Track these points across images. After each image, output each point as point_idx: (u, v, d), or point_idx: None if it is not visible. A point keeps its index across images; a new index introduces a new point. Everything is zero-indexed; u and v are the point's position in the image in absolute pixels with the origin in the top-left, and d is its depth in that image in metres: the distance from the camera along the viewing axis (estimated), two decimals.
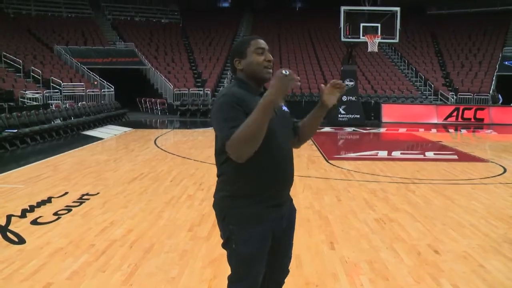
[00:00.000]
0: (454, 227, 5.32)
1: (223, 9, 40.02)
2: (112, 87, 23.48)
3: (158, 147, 11.81)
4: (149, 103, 24.43)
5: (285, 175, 2.32)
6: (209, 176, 8.02)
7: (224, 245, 2.34)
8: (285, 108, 2.41)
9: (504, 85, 25.07)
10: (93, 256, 4.28)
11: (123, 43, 29.24)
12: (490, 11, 33.32)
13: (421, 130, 17.22)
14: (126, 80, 24.99)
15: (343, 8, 18.51)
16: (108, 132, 15.33)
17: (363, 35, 18.62)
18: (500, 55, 28.16)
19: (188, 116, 22.09)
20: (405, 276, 3.91)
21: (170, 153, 10.75)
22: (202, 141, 13.29)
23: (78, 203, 6.14)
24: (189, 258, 4.24)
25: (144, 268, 4.02)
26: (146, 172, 8.32)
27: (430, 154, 11.24)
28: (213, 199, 2.38)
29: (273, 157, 2.20)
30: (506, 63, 27.14)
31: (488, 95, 24.31)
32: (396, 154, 10.93)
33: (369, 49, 18.99)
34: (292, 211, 2.46)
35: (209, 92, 24.11)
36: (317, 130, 2.60)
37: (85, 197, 6.50)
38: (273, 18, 34.55)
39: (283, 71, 1.98)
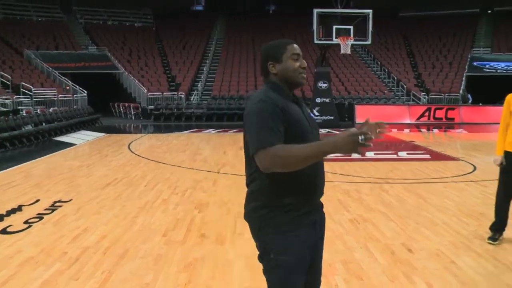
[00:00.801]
0: (427, 225, 5.41)
1: (197, 12, 39.92)
2: (84, 92, 23.17)
3: (132, 152, 11.69)
4: (122, 108, 24.18)
5: (320, 183, 2.27)
6: (184, 180, 7.98)
7: (261, 257, 2.24)
8: (312, 115, 2.39)
9: (473, 85, 25.64)
10: (66, 264, 4.20)
11: (95, 47, 28.92)
12: (459, 14, 34.06)
13: (394, 130, 17.43)
14: (99, 85, 24.69)
15: (316, 10, 18.66)
16: (81, 138, 15.11)
17: (336, 37, 18.79)
18: (469, 56, 28.79)
19: (162, 120, 21.93)
20: (379, 275, 3.95)
21: (144, 157, 10.65)
22: (177, 145, 13.20)
23: (50, 211, 6.03)
24: (163, 263, 4.21)
25: (118, 274, 3.97)
26: (120, 178, 8.22)
27: (403, 154, 11.40)
28: (242, 209, 2.29)
29: (309, 166, 2.09)
30: (474, 63, 27.76)
31: (458, 95, 24.80)
32: (370, 154, 11.03)
33: (342, 51, 19.19)
34: (323, 217, 2.37)
35: (183, 95, 23.99)
36: None
37: (57, 204, 6.38)
38: (247, 21, 34.61)
39: (360, 137, 1.86)
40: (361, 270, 4.05)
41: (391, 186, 7.56)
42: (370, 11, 18.70)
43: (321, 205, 2.36)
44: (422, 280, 3.86)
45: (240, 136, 15.34)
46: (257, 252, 2.27)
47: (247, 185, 2.27)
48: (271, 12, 40.73)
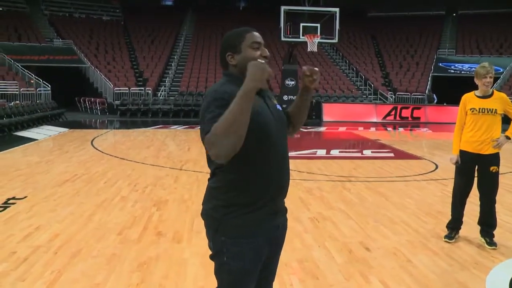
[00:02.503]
0: (386, 224, 5.43)
1: (166, 7, 39.45)
2: (48, 86, 22.59)
3: (95, 148, 11.43)
4: (88, 103, 23.69)
5: (283, 180, 2.14)
6: (146, 176, 7.83)
7: (213, 257, 2.14)
8: (279, 106, 2.21)
9: (439, 85, 26.14)
10: (13, 264, 4.03)
11: (60, 40, 28.23)
12: (425, 15, 34.67)
13: (361, 128, 17.62)
14: (65, 79, 24.13)
15: (283, 7, 18.66)
16: (42, 133, 14.71)
17: (303, 35, 18.85)
18: (435, 57, 29.34)
19: (128, 116, 21.59)
20: (335, 274, 3.92)
21: (107, 154, 10.42)
22: (141, 141, 12.99)
23: (2, 208, 5.80)
24: (116, 262, 4.08)
25: (68, 275, 3.83)
26: (80, 174, 8.00)
27: (367, 152, 11.50)
28: (201, 206, 2.17)
29: (271, 161, 2.02)
30: (440, 64, 28.30)
31: (424, 95, 25.24)
32: (335, 152, 11.10)
33: (309, 49, 19.28)
34: (285, 221, 2.26)
35: (150, 91, 23.68)
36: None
37: (11, 201, 6.15)
38: (216, 17, 34.37)
39: (259, 60, 1.91)
40: (317, 269, 4.02)
41: (353, 184, 7.59)
42: (337, 9, 18.83)
43: (286, 210, 2.26)
44: (377, 279, 3.85)
45: None
46: None
47: (208, 180, 2.15)
48: (241, 8, 40.61)
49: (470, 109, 4.66)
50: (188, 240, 4.70)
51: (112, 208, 5.85)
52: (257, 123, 1.97)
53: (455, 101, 21.12)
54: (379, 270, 4.04)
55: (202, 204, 2.17)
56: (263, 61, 1.84)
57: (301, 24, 18.60)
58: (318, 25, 18.74)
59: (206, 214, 2.14)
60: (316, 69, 2.23)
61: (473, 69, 22.25)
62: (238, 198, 2.03)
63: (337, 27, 18.84)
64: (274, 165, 2.06)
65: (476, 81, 4.69)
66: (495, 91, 4.70)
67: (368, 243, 4.74)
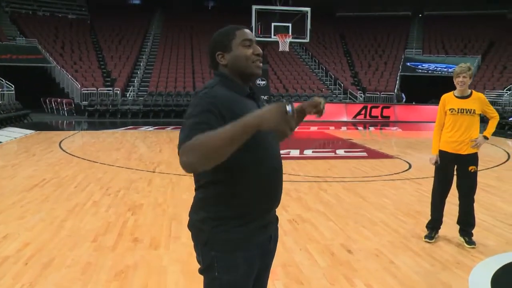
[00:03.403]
0: (366, 224, 5.39)
1: (133, 6, 38.85)
2: (12, 86, 21.87)
3: (63, 150, 11.09)
4: (54, 104, 23.06)
5: (277, 191, 2.01)
6: (118, 180, 7.61)
7: (202, 272, 1.99)
8: None
9: (407, 85, 26.55)
10: None
11: (24, 38, 27.39)
12: (392, 16, 35.19)
13: (332, 128, 17.69)
14: (29, 79, 23.42)
15: (254, 7, 18.58)
16: (6, 135, 14.19)
17: (274, 35, 18.82)
18: (403, 57, 29.80)
19: (96, 117, 21.12)
20: (320, 279, 3.85)
21: (76, 156, 10.11)
22: (111, 143, 12.68)
23: None
24: (92, 272, 3.90)
25: (40, 287, 3.63)
26: (49, 178, 7.72)
27: (341, 152, 11.51)
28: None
29: (266, 171, 1.89)
30: (408, 64, 28.75)
31: (393, 94, 25.57)
32: (308, 152, 11.07)
33: (281, 49, 19.27)
34: (277, 231, 2.15)
35: (118, 91, 23.22)
36: None
37: None
38: (185, 17, 34.06)
39: (288, 107, 1.54)
40: (301, 274, 3.93)
41: (329, 184, 7.56)
42: (308, 9, 18.87)
43: (277, 219, 2.15)
44: (362, 282, 3.79)
45: (176, 134, 15.02)
46: (194, 256, 2.05)
47: (196, 190, 2.01)
48: (209, 8, 40.35)
49: (449, 109, 4.66)
50: (166, 246, 4.55)
51: (85, 214, 5.63)
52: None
53: (423, 100, 21.66)
54: (363, 273, 3.98)
55: (189, 215, 2.04)
56: (291, 110, 1.54)
57: (273, 24, 18.57)
58: (290, 24, 18.74)
59: (193, 226, 2.00)
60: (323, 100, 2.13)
61: (439, 68, 22.79)
62: (229, 211, 1.90)
63: (309, 26, 18.89)
64: (268, 177, 1.94)
65: (454, 80, 4.70)
66: (473, 91, 4.71)
67: (349, 245, 4.69)
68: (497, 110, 16.97)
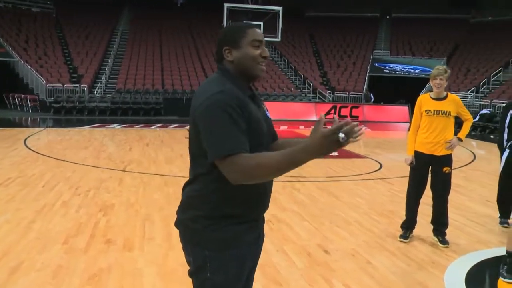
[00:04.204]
0: (341, 224, 5.41)
1: (101, 1, 38.04)
2: None
3: (29, 148, 10.75)
4: (18, 100, 22.36)
5: (270, 191, 2.01)
6: (87, 179, 7.41)
7: (193, 273, 1.93)
8: (268, 114, 2.04)
9: (375, 85, 26.93)
10: None
11: None
12: (361, 16, 35.64)
13: (302, 127, 17.76)
14: None
15: (226, 5, 18.50)
16: None
17: None
18: (371, 57, 30.21)
19: (62, 114, 20.59)
20: (298, 280, 3.82)
21: (42, 154, 9.81)
22: (79, 141, 12.37)
23: None
24: (64, 275, 3.76)
25: None
26: (14, 177, 7.45)
27: None
28: (175, 215, 1.96)
29: None
30: (376, 64, 29.16)
31: (361, 94, 25.89)
32: None
33: None
34: (263, 231, 2.13)
35: (85, 88, 22.72)
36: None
37: None
38: (154, 13, 33.59)
39: (341, 135, 1.56)
40: (279, 275, 3.90)
41: (302, 184, 7.56)
42: (280, 8, 18.90)
43: (264, 219, 2.13)
44: (341, 282, 3.79)
45: (146, 132, 14.86)
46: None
47: (187, 185, 1.95)
48: (179, 5, 39.93)
49: (425, 111, 4.71)
50: (140, 248, 4.43)
51: (54, 215, 5.45)
52: (255, 133, 1.82)
53: (391, 100, 21.98)
54: (341, 273, 3.98)
55: (177, 214, 1.98)
56: (345, 137, 1.57)
57: (244, 22, 18.52)
58: (261, 23, 18.72)
59: (183, 226, 1.94)
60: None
61: (406, 69, 23.22)
62: (223, 209, 1.86)
63: (280, 26, 18.92)
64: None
65: (430, 82, 4.76)
66: (449, 93, 4.78)
67: (326, 245, 4.69)
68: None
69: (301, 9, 36.06)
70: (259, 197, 1.93)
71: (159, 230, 4.94)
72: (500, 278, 4.02)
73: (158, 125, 17.31)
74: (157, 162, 9.26)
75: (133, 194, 6.57)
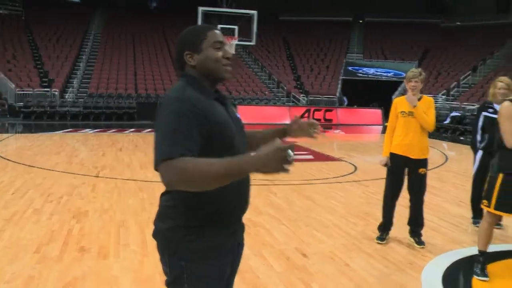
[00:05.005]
0: (318, 227, 5.40)
1: (72, 3, 37.45)
2: None
3: None
4: None
5: (247, 196, 1.97)
6: (59, 185, 7.24)
7: (170, 284, 1.87)
8: (238, 115, 2.01)
9: (348, 88, 27.22)
10: None
11: None
12: (335, 21, 35.99)
13: None
14: None
15: (200, 8, 18.42)
16: None
17: None
18: (344, 61, 30.53)
19: (33, 119, 20.16)
20: (277, 284, 3.79)
21: (11, 161, 9.56)
22: (49, 147, 12.10)
23: None
24: (36, 286, 3.63)
25: None
26: None
27: None
28: (151, 221, 1.91)
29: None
30: (349, 68, 29.48)
31: (335, 97, 26.11)
32: None
33: None
34: (243, 238, 2.09)
35: (57, 92, 22.31)
36: None
37: None
38: (126, 17, 33.27)
39: (290, 153, 1.51)
40: (258, 280, 3.86)
41: (278, 187, 7.54)
42: (255, 12, 18.92)
43: (243, 226, 2.08)
44: (320, 286, 3.78)
45: (119, 137, 14.64)
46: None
47: (163, 195, 1.90)
48: (152, 8, 39.65)
49: (401, 112, 4.75)
50: (115, 255, 4.33)
51: (25, 223, 5.29)
52: (223, 135, 1.78)
53: (364, 104, 22.24)
54: (320, 277, 3.96)
55: (154, 224, 1.92)
56: (292, 155, 1.51)
57: (218, 26, 18.48)
58: (236, 27, 18.70)
59: (160, 236, 1.89)
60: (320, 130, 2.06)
61: (379, 73, 23.54)
62: (200, 219, 1.81)
63: (255, 29, 18.94)
64: (239, 182, 1.83)
65: (406, 84, 4.80)
66: (424, 96, 4.82)
67: (304, 248, 4.67)
68: None
69: (275, 13, 36.24)
70: (236, 200, 1.90)
71: (135, 236, 4.85)
72: (474, 277, 4.08)
73: (131, 129, 17.10)
74: (131, 167, 9.12)
75: (107, 200, 6.45)
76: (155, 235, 1.91)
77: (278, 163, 1.51)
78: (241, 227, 2.05)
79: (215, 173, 1.56)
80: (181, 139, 1.64)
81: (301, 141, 14.36)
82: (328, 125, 21.29)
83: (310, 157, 11.22)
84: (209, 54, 1.86)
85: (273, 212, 6.03)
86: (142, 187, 7.31)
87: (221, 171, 1.56)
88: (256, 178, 6.54)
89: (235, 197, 1.88)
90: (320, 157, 11.23)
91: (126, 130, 16.81)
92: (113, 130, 16.57)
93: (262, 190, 7.32)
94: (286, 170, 1.52)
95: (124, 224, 5.32)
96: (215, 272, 1.86)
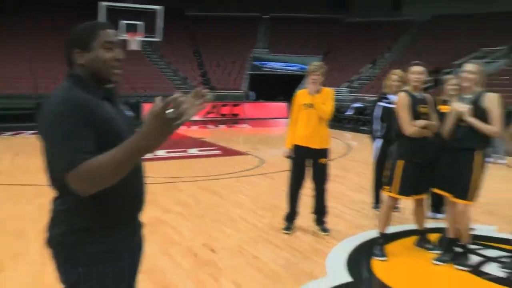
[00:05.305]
0: (226, 222, 5.40)
1: None
2: None
3: None
4: None
5: (142, 194, 1.89)
6: None
7: None
8: (128, 113, 1.92)
9: (256, 83, 27.62)
10: None
11: None
12: (242, 16, 36.26)
13: (183, 127, 17.57)
14: None
15: (104, 3, 17.67)
16: None
17: (124, 33, 18.11)
18: (251, 56, 30.90)
19: None
20: (186, 281, 3.74)
21: None
22: None
23: None
24: None
25: None
26: None
27: (194, 151, 11.45)
28: (47, 232, 1.77)
29: (128, 175, 1.65)
30: (256, 63, 29.90)
31: (242, 92, 26.36)
32: (161, 153, 10.81)
33: (132, 48, 18.63)
34: (143, 237, 2.02)
35: None
36: None
37: None
38: (21, 11, 31.15)
39: (168, 112, 1.40)
40: (166, 278, 3.78)
41: (185, 184, 7.45)
42: (161, 7, 18.50)
43: (142, 225, 2.01)
44: (229, 280, 3.78)
45: (17, 140, 13.70)
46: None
47: (53, 201, 1.79)
48: (49, 1, 37.43)
49: (302, 105, 4.87)
50: (12, 268, 4.01)
51: None
52: (111, 134, 1.69)
53: (271, 98, 22.53)
54: (229, 271, 3.96)
55: (47, 230, 1.80)
56: (172, 112, 1.41)
57: (123, 22, 17.83)
58: (141, 23, 18.17)
59: (53, 242, 1.77)
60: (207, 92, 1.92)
61: (285, 67, 24.03)
62: (94, 220, 1.73)
63: (162, 25, 18.52)
64: (132, 178, 1.78)
65: (307, 77, 4.92)
66: (324, 88, 4.96)
67: (211, 244, 4.65)
68: (336, 105, 18.47)
69: (182, 8, 35.76)
70: (130, 197, 1.83)
71: (34, 245, 4.54)
72: (374, 258, 4.30)
73: (30, 132, 16.04)
74: (29, 172, 8.55)
75: (2, 208, 6.00)
76: (49, 242, 1.79)
77: (165, 127, 1.44)
78: (138, 227, 1.99)
79: (117, 161, 1.52)
80: (77, 143, 1.58)
81: (208, 137, 14.34)
82: (235, 119, 21.45)
83: (217, 152, 11.22)
84: (98, 54, 1.77)
85: (180, 209, 5.95)
86: (40, 192, 6.86)
87: (121, 156, 1.51)
88: (162, 176, 6.48)
89: (129, 197, 1.81)
90: (227, 152, 11.26)
91: (23, 133, 15.75)
92: (10, 133, 15.48)
93: (168, 188, 7.20)
94: (176, 127, 1.45)
95: (21, 232, 4.97)
96: (113, 275, 1.78)
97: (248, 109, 22.52)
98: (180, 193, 6.84)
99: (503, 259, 4.37)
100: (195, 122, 19.78)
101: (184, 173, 8.38)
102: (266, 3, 35.93)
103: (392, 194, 4.35)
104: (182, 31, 34.34)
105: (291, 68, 29.06)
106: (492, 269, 4.17)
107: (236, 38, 34.23)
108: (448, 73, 4.99)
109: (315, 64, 4.91)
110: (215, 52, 32.31)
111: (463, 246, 4.23)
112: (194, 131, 16.53)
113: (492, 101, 3.98)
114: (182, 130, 16.22)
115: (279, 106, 22.63)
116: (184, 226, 5.24)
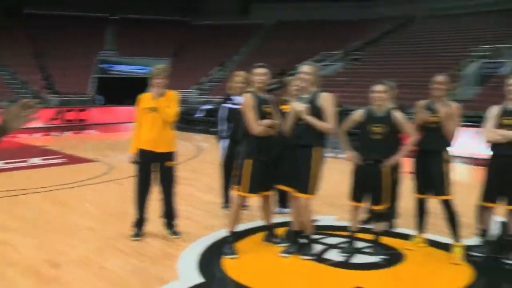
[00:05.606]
0: (71, 234, 5.15)
1: None
2: None
3: None
4: None
5: None
6: None
7: None
8: None
9: (104, 86, 26.60)
10: None
11: None
12: (88, 16, 34.55)
13: (23, 136, 16.23)
14: None
15: None
16: None
17: None
18: (98, 58, 29.64)
19: None
20: None
21: None
22: None
23: None
24: None
25: None
26: None
27: (37, 161, 10.66)
28: None
29: None
30: (103, 66, 28.80)
31: (89, 97, 25.19)
32: None
33: None
34: None
35: None
36: None
37: None
38: None
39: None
40: None
41: (27, 197, 6.92)
42: None
43: None
44: None
45: None
46: None
47: None
48: None
49: (146, 108, 4.84)
50: None
51: None
52: None
53: (121, 101, 21.90)
54: (75, 284, 3.81)
55: None
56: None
57: None
58: None
59: None
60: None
61: (134, 70, 23.53)
62: None
63: None
64: None
65: (151, 81, 4.88)
66: (169, 91, 4.96)
67: (55, 258, 4.39)
68: (186, 107, 18.63)
69: (17, 5, 32.83)
70: None
71: None
72: (224, 256, 4.45)
73: None
74: None
75: None
76: None
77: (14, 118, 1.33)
78: None
79: None
80: None
81: (53, 145, 13.46)
82: (82, 125, 20.42)
83: (64, 160, 10.59)
84: None
85: (20, 225, 5.50)
86: None
87: None
88: (1, 190, 5.90)
89: None
90: (73, 160, 10.68)
91: None
92: None
93: (8, 202, 6.62)
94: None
95: None
96: None
97: (96, 114, 21.62)
98: (21, 207, 6.33)
99: (342, 245, 4.83)
100: (37, 130, 18.39)
101: (26, 184, 7.75)
102: (113, 4, 34.78)
103: (241, 193, 4.53)
104: (20, 31, 31.66)
105: (140, 70, 28.51)
106: (333, 255, 4.60)
107: (82, 39, 32.54)
108: (291, 75, 5.37)
109: (158, 67, 4.91)
110: (59, 54, 30.35)
111: (307, 237, 4.58)
112: (36, 139, 15.37)
113: (326, 100, 4.37)
114: (22, 138, 14.97)
115: (128, 110, 21.94)
116: (23, 243, 4.86)
